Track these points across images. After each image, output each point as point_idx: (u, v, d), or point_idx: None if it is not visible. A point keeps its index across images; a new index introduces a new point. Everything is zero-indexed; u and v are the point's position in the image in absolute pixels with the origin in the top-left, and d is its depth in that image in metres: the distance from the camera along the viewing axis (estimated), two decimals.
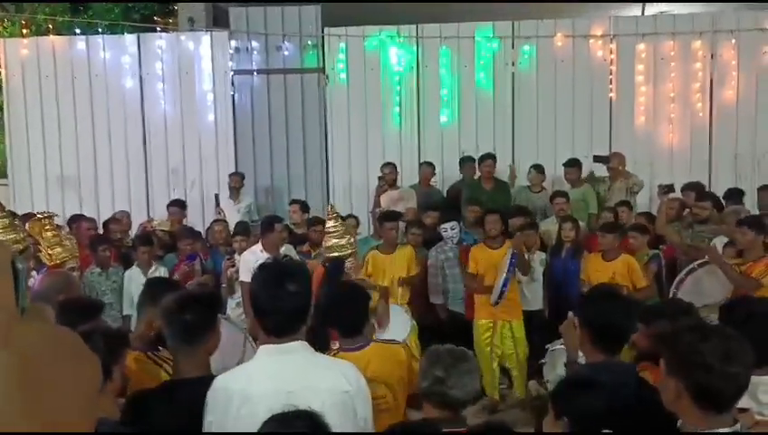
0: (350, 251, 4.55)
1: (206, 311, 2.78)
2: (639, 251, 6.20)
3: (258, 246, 6.12)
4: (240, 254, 6.33)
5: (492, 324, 6.19)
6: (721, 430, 1.97)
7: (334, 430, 2.18)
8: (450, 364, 2.71)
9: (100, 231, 7.18)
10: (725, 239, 5.91)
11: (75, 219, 7.17)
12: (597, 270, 5.98)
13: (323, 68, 8.99)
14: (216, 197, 8.37)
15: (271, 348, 2.51)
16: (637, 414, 2.48)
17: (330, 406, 2.37)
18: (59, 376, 1.31)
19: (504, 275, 5.77)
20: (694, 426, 2.02)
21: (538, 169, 8.01)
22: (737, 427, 1.99)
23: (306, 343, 2.57)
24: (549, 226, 7.07)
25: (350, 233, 4.78)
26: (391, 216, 6.64)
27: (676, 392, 2.01)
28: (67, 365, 1.33)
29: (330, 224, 4.56)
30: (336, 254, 4.55)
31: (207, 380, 2.54)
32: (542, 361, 4.74)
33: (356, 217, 7.56)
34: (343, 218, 5.64)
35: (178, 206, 7.86)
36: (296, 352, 2.49)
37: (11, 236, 4.35)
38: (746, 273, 5.16)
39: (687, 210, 6.86)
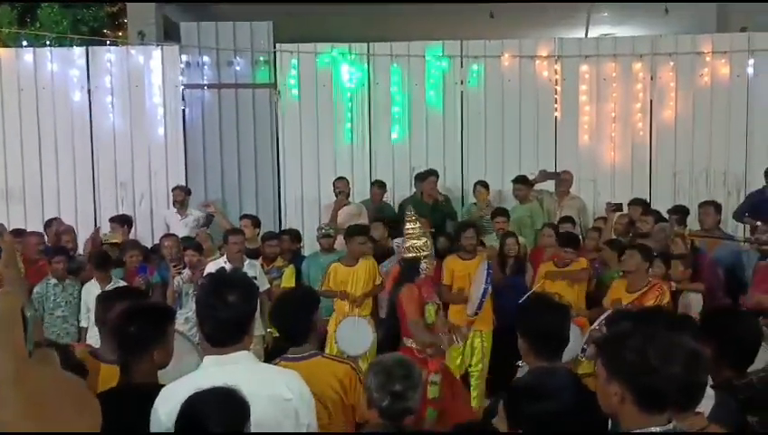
0: (426, 252, 4.72)
1: (152, 323, 2.81)
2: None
3: (222, 259, 6.21)
4: (191, 268, 6.33)
5: None
6: (652, 429, 2.02)
7: None
8: (404, 376, 2.75)
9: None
10: None
11: (19, 233, 7.03)
12: (553, 278, 6.23)
13: (275, 83, 9.03)
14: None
15: (214, 358, 2.56)
16: (577, 417, 2.57)
17: (271, 414, 2.44)
18: (61, 416, 1.45)
19: (483, 286, 5.85)
20: (632, 427, 2.06)
21: (484, 185, 8.19)
22: (669, 426, 2.04)
23: (250, 353, 2.62)
24: (491, 241, 7.19)
25: (427, 236, 4.95)
26: (361, 230, 6.69)
27: (620, 396, 2.05)
28: (69, 408, 1.45)
29: (408, 226, 4.83)
30: (412, 254, 4.71)
31: (153, 388, 2.58)
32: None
33: (293, 231, 7.69)
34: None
35: (119, 222, 7.81)
36: (239, 362, 2.54)
37: None
38: (638, 307, 5.23)
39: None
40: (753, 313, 4.35)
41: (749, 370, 2.90)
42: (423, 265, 4.71)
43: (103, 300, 3.55)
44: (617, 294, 5.61)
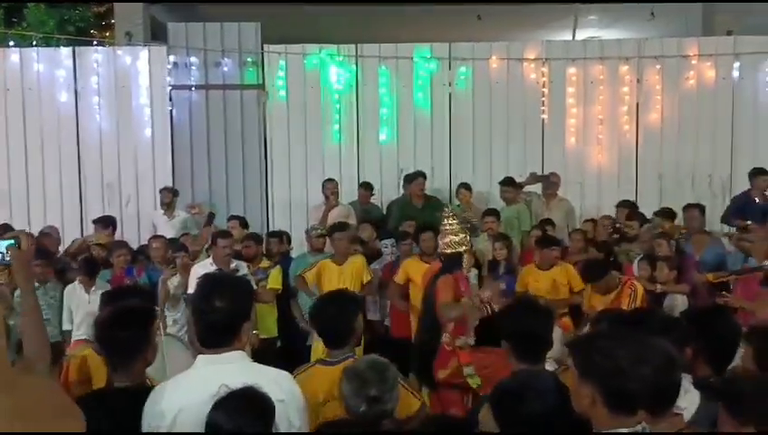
0: (465, 248, 4.72)
1: (142, 327, 2.81)
2: None
3: (209, 260, 6.18)
4: (181, 270, 6.30)
5: None
6: (621, 431, 2.02)
7: None
8: (380, 380, 2.74)
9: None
10: None
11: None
12: (536, 280, 6.16)
13: (263, 84, 9.02)
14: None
15: (206, 358, 2.57)
16: (561, 420, 2.58)
17: None
18: (46, 424, 1.54)
19: None
20: (603, 429, 2.05)
21: (466, 187, 8.21)
22: (638, 428, 2.03)
23: (244, 353, 2.62)
24: (481, 243, 7.20)
25: (465, 231, 4.94)
26: (341, 227, 6.66)
27: (590, 398, 2.05)
28: (53, 416, 1.52)
29: (446, 222, 4.81)
30: (452, 250, 4.69)
31: (142, 388, 2.59)
32: None
33: (283, 233, 7.61)
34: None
35: (103, 223, 7.72)
36: (232, 362, 2.55)
37: None
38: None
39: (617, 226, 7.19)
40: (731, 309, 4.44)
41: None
42: (464, 258, 4.73)
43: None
44: (591, 299, 5.60)
